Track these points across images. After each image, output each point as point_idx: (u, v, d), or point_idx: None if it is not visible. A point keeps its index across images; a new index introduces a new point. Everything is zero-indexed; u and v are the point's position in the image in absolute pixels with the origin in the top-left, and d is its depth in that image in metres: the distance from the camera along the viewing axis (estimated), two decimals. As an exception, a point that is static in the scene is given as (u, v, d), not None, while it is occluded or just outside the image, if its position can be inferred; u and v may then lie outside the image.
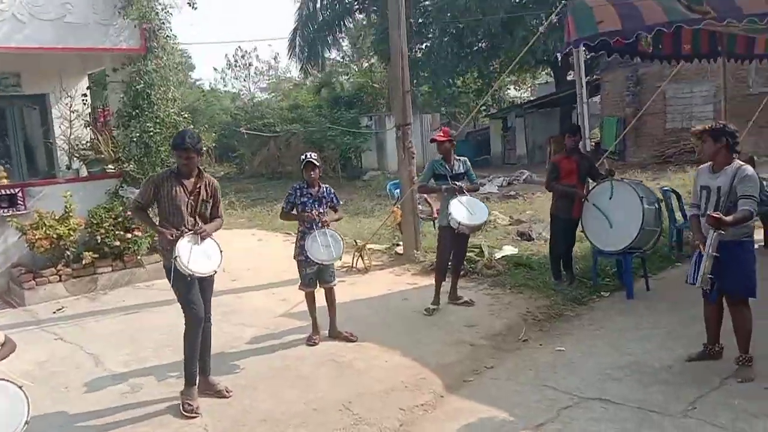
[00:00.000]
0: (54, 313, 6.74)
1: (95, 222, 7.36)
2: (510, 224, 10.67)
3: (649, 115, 18.28)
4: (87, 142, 8.31)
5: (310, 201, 5.45)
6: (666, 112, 19.54)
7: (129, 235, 7.49)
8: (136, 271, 7.81)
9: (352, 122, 22.22)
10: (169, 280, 4.36)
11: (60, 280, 7.20)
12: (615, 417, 3.98)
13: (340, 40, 29.66)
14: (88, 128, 8.74)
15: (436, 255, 6.63)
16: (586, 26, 7.07)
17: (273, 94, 35.00)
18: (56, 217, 7.13)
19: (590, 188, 6.89)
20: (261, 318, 6.32)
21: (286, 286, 7.17)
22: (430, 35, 22.60)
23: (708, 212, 4.26)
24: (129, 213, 4.66)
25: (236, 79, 44.14)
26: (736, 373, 4.35)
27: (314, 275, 5.52)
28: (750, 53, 9.41)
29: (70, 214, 7.19)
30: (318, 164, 5.46)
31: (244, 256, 8.99)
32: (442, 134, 6.53)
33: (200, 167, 4.49)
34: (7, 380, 3.14)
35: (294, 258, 5.58)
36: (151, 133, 7.80)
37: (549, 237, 7.32)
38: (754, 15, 6.06)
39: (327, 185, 5.64)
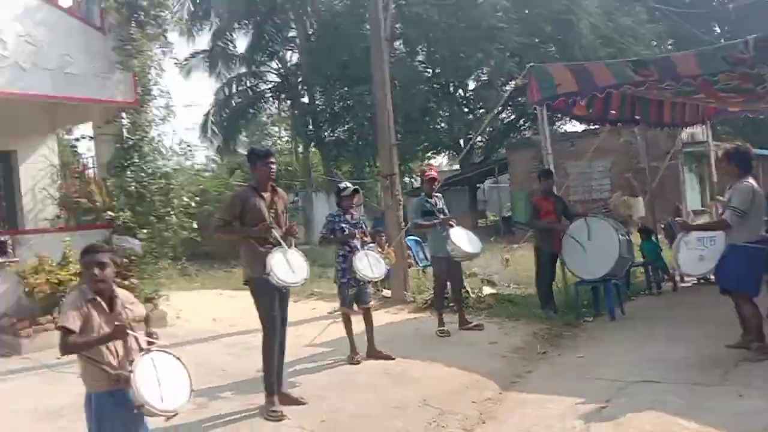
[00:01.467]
0: (58, 359, 6.40)
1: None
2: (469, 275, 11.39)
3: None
4: (74, 192, 8.16)
5: (348, 226, 5.86)
6: (570, 186, 21.69)
7: (126, 282, 7.34)
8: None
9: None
10: (254, 292, 4.56)
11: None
12: (666, 390, 4.59)
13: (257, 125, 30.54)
14: (68, 179, 8.60)
15: (434, 285, 7.21)
16: (547, 88, 8.26)
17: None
18: (53, 263, 6.91)
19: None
20: (290, 349, 6.41)
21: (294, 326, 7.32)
22: (348, 116, 23.89)
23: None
24: (214, 233, 4.72)
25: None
26: (750, 355, 5.12)
27: (353, 297, 5.84)
28: (660, 121, 11.11)
29: (69, 260, 6.99)
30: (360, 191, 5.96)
31: (228, 304, 9.03)
32: (434, 173, 7.27)
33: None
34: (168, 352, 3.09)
35: (334, 282, 5.88)
36: (145, 183, 7.87)
37: (536, 269, 8.02)
38: (688, 77, 7.42)
39: (357, 213, 6.11)
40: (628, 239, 7.61)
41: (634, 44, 21.04)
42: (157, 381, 2.84)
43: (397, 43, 21.12)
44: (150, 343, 2.95)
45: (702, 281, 9.31)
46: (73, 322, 2.84)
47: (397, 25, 19.89)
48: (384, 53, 8.50)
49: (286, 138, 32.89)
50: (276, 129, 33.36)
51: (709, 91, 8.36)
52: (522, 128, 26.38)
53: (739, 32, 27.17)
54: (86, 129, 9.33)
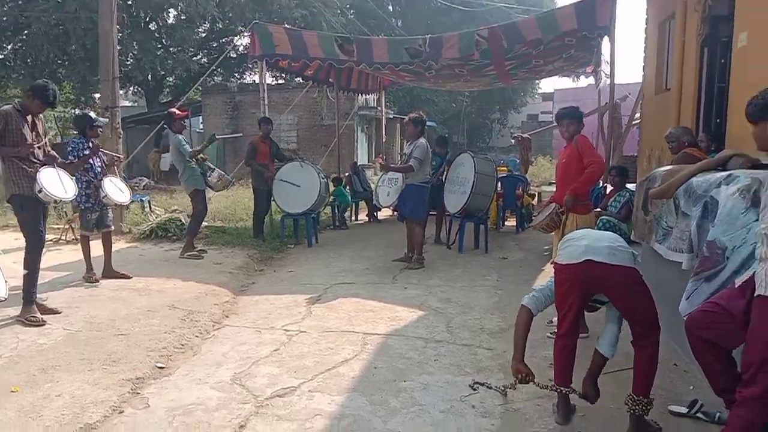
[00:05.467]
0: None
1: None
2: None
3: (248, 136, 21.60)
4: None
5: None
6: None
7: None
8: None
9: None
10: (20, 207, 4.79)
11: None
12: (357, 288, 6.36)
13: None
14: None
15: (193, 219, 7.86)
16: (267, 46, 9.44)
17: None
18: None
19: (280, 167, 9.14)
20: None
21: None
22: (25, 34, 21.08)
23: None
24: None
25: None
26: (408, 266, 7.26)
27: (95, 221, 6.23)
28: (348, 86, 13.22)
29: None
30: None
31: None
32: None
33: None
34: None
35: (78, 206, 6.20)
36: None
37: (253, 204, 9.19)
38: (379, 63, 9.40)
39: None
40: (326, 182, 9.35)
41: (324, 10, 23.24)
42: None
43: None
44: None
45: (371, 219, 11.87)
46: None
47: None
48: (111, -15, 8.45)
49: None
50: None
51: (393, 73, 10.54)
52: (215, 74, 26.76)
53: (407, 12, 32.02)
54: None
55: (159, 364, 4.18)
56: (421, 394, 3.68)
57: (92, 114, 6.42)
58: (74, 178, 6.04)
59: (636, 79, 10.57)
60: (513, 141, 14.10)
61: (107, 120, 8.02)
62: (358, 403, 3.55)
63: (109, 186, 6.16)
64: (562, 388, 3.15)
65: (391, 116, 22.60)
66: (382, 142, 16.37)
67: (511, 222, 10.99)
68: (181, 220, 9.23)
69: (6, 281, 3.58)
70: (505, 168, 13.34)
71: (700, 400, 3.37)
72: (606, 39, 7.78)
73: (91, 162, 6.16)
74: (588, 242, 3.08)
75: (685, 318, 3.01)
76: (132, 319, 5.11)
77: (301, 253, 8.59)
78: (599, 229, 6.79)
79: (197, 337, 4.81)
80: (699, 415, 3.30)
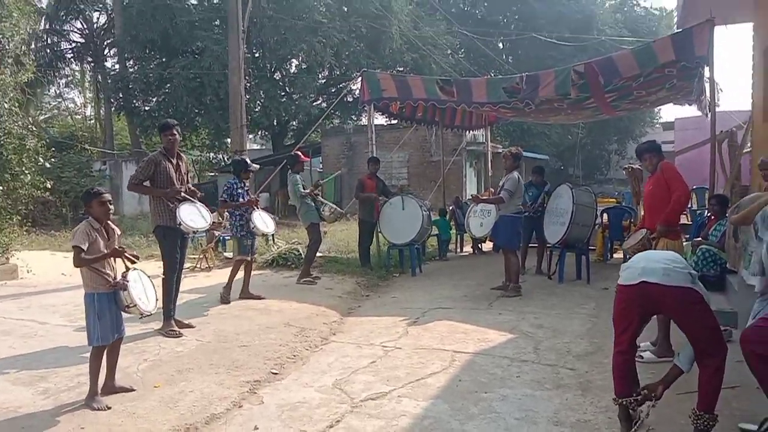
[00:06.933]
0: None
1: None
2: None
3: (361, 173, 22.76)
4: None
5: (244, 192, 7.25)
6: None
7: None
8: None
9: (84, 166, 21.90)
10: (161, 237, 5.75)
11: None
12: (453, 312, 6.76)
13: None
14: None
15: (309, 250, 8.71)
16: (375, 90, 10.25)
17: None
18: None
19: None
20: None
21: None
22: (167, 87, 23.80)
23: None
24: (129, 189, 5.74)
25: None
26: (505, 294, 7.57)
27: (250, 247, 7.26)
28: (452, 124, 13.78)
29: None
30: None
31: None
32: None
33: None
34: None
35: (235, 236, 7.37)
36: (1, 142, 8.20)
37: (358, 236, 9.93)
38: (477, 103, 9.90)
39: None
40: (429, 215, 9.89)
41: (434, 52, 24.19)
42: (143, 289, 4.10)
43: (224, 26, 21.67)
44: (132, 262, 4.16)
45: (476, 251, 12.18)
46: (84, 244, 3.94)
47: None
48: (241, 43, 9.68)
49: (82, 101, 31.28)
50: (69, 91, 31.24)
51: (493, 110, 10.97)
52: (333, 117, 28.48)
53: (517, 48, 32.28)
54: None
55: (273, 371, 4.84)
56: (499, 404, 4.03)
57: (247, 160, 7.55)
58: (230, 212, 7.11)
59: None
60: (624, 172, 13.92)
61: (258, 167, 9.17)
62: (441, 408, 3.97)
63: (258, 218, 7.13)
64: (623, 401, 3.38)
65: (500, 150, 22.84)
66: (489, 177, 16.68)
67: (618, 255, 10.87)
68: (299, 251, 10.12)
69: (157, 298, 4.41)
70: (613, 200, 13.18)
71: (772, 418, 3.45)
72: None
73: (241, 199, 7.17)
74: (644, 264, 3.34)
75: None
76: (253, 333, 5.86)
77: (405, 281, 9.12)
78: (699, 257, 6.76)
79: (307, 350, 5.45)
80: (769, 432, 3.38)
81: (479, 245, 12.30)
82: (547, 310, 6.84)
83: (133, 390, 4.30)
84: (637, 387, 3.48)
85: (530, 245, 9.52)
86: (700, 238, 7.09)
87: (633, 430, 3.39)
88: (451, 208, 12.71)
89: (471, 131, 16.45)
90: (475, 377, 4.56)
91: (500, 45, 34.04)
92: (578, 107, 10.44)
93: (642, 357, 4.86)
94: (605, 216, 10.83)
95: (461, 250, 12.55)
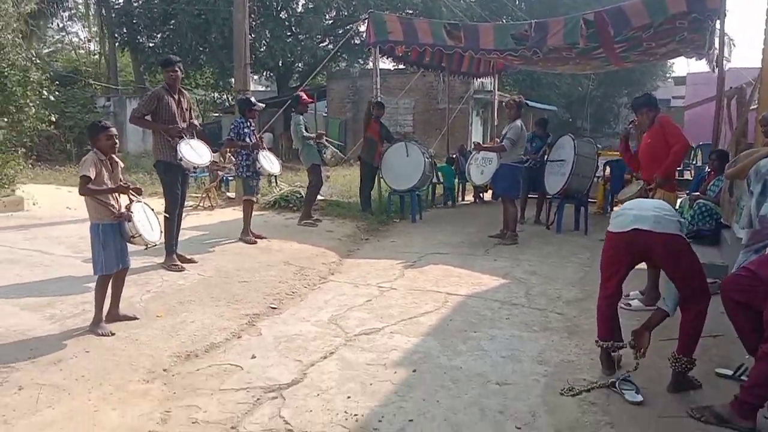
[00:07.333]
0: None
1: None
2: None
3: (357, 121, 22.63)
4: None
5: (250, 132, 7.26)
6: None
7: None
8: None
9: (88, 102, 21.76)
10: (162, 172, 5.83)
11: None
12: (449, 257, 6.90)
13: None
14: None
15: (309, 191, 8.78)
16: (381, 33, 10.10)
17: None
18: None
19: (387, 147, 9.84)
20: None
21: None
22: (171, 24, 23.41)
23: None
24: (130, 121, 5.76)
25: None
26: (502, 241, 7.68)
27: (257, 187, 7.40)
28: (459, 70, 13.61)
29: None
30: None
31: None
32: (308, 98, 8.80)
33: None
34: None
35: (240, 176, 7.46)
36: (5, 74, 8.18)
37: (360, 180, 10.01)
38: (485, 49, 9.76)
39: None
40: (431, 162, 9.92)
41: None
42: (147, 220, 4.22)
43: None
44: (137, 194, 4.26)
45: (477, 201, 12.26)
46: (91, 173, 4.03)
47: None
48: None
49: (86, 36, 30.81)
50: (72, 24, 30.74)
51: (500, 57, 10.83)
52: (339, 59, 28.07)
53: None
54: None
55: (272, 306, 5.01)
56: (487, 343, 4.19)
57: (252, 99, 7.59)
58: (236, 153, 7.16)
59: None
60: (629, 126, 13.83)
61: (263, 105, 9.20)
62: (430, 344, 4.13)
63: (264, 159, 7.19)
64: (605, 344, 3.52)
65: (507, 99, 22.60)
66: (495, 126, 16.57)
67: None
68: (300, 193, 10.21)
69: (162, 231, 4.52)
70: (619, 153, 13.10)
71: (746, 365, 3.59)
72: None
73: (247, 139, 7.19)
74: (636, 212, 3.42)
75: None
76: (253, 270, 6.02)
77: (405, 227, 9.24)
78: (695, 212, 6.84)
79: (305, 287, 5.61)
80: (743, 377, 3.53)
81: (480, 194, 12.37)
82: (542, 258, 6.98)
83: (136, 318, 4.47)
84: (618, 333, 3.62)
85: (530, 196, 9.60)
86: (697, 193, 7.16)
87: (614, 371, 3.55)
88: (455, 156, 12.72)
89: (479, 79, 16.24)
90: (466, 318, 4.72)
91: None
92: (587, 57, 10.32)
93: (630, 305, 5.02)
94: (608, 169, 10.84)
95: (463, 199, 12.63)
